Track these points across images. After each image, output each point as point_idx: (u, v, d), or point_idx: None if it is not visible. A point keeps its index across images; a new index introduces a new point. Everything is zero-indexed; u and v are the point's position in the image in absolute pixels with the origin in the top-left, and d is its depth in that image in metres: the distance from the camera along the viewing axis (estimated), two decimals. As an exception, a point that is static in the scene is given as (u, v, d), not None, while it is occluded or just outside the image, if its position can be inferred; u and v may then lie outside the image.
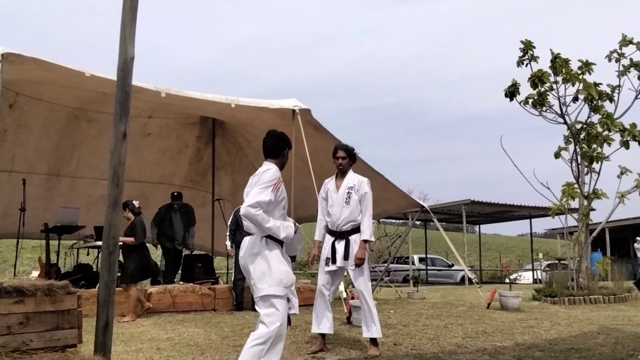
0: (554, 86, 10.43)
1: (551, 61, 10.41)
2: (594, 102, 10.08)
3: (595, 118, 10.25)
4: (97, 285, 3.61)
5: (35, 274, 11.27)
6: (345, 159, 5.38)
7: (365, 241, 5.16)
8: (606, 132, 10.02)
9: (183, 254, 10.61)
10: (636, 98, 10.45)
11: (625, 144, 9.89)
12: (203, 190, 12.42)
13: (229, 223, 9.02)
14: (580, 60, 10.39)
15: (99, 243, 8.25)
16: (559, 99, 10.46)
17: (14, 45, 7.02)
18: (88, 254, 10.83)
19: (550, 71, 10.42)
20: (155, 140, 11.29)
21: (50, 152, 10.50)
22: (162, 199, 11.69)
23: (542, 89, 10.42)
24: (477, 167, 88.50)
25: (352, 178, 5.36)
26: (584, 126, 10.28)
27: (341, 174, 5.40)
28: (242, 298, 8.63)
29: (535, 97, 10.48)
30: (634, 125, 9.87)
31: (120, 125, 3.47)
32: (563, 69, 10.30)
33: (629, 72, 10.50)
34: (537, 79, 10.35)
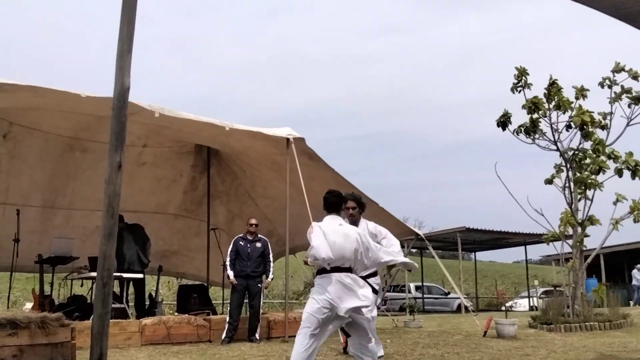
0: (547, 112, 10.52)
1: (547, 87, 10.50)
2: (585, 129, 10.15)
3: (588, 145, 10.32)
4: (91, 317, 3.59)
5: (28, 305, 11.15)
6: (355, 209, 5.64)
7: None
8: (601, 158, 10.06)
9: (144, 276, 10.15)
10: (628, 125, 10.54)
11: (619, 172, 9.95)
12: (198, 219, 12.39)
13: (228, 252, 8.99)
14: (574, 87, 10.49)
15: (94, 274, 8.20)
16: (551, 126, 10.55)
17: (3, 73, 7.05)
18: (82, 285, 10.74)
19: (544, 98, 10.52)
20: (150, 169, 11.31)
21: (44, 183, 10.47)
22: (157, 229, 11.68)
23: (536, 116, 10.51)
24: (472, 193, 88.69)
25: (360, 225, 5.57)
26: (577, 152, 10.34)
27: (352, 223, 5.46)
28: (237, 329, 8.54)
29: (528, 124, 10.56)
30: (630, 154, 9.93)
31: (116, 155, 3.49)
32: (556, 96, 10.41)
33: (620, 99, 10.61)
34: (532, 105, 10.43)
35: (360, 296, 4.43)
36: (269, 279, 9.04)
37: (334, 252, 4.43)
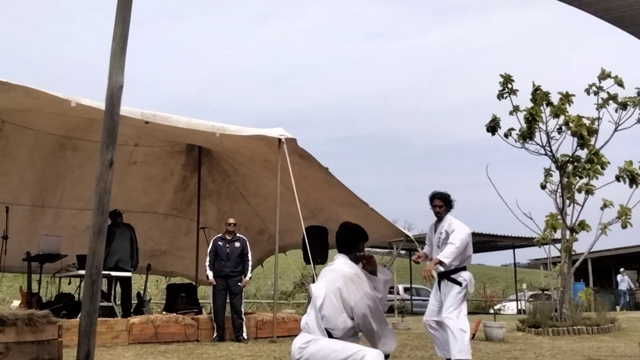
0: (544, 118, 10.60)
1: (532, 93, 10.60)
2: (583, 139, 10.23)
3: (583, 153, 10.41)
4: (79, 315, 3.56)
5: (16, 303, 11.05)
6: (442, 207, 5.70)
7: (440, 261, 5.44)
8: (596, 167, 10.14)
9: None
10: (615, 130, 10.64)
11: (620, 179, 10.06)
12: (188, 219, 12.33)
13: (207, 252, 8.97)
14: (560, 93, 10.60)
15: (82, 272, 8.15)
16: (546, 132, 10.61)
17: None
18: (70, 283, 10.66)
19: (534, 105, 10.59)
20: (141, 168, 11.24)
21: (34, 182, 10.35)
22: (147, 228, 11.62)
23: (534, 126, 10.58)
24: (461, 196, 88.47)
25: (446, 223, 5.67)
26: (570, 159, 10.42)
27: (438, 220, 5.77)
28: (224, 328, 8.53)
29: (525, 132, 10.62)
30: (629, 163, 10.03)
31: (107, 153, 3.47)
32: (545, 102, 10.49)
33: (607, 104, 10.72)
34: (530, 116, 10.50)
35: None
36: (247, 278, 9.03)
37: None
